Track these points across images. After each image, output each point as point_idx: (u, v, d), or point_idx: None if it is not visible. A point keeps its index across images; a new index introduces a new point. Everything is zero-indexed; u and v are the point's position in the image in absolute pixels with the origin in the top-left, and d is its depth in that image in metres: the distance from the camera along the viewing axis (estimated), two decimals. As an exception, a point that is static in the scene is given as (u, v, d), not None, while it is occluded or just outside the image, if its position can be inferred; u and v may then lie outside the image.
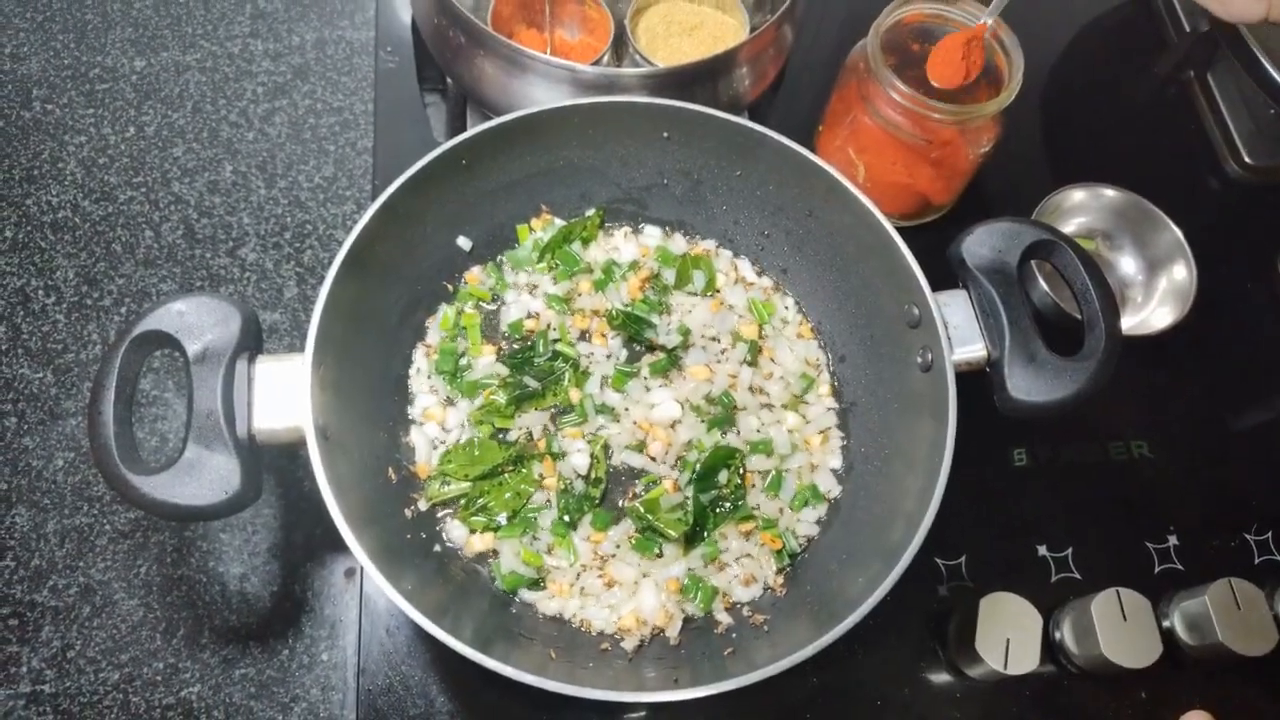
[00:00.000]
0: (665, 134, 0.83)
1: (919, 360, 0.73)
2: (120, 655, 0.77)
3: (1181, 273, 0.93)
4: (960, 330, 0.71)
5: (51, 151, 1.00)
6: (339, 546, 0.66)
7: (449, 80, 1.00)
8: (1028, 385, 0.68)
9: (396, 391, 0.82)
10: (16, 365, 0.88)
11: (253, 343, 0.66)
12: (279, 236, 0.97)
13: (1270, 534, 0.87)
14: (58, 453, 0.84)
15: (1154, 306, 0.94)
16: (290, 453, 0.85)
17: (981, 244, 0.72)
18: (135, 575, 0.80)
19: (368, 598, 0.78)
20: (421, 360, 0.84)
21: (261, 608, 0.79)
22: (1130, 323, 0.94)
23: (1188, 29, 1.11)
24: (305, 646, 0.78)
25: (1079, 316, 0.72)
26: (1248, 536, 0.87)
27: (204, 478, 0.61)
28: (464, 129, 0.85)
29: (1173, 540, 0.86)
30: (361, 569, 0.77)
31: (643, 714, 0.77)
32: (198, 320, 0.65)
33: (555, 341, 0.84)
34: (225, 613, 0.79)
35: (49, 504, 0.82)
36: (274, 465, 0.84)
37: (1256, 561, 0.86)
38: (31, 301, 0.91)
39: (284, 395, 0.65)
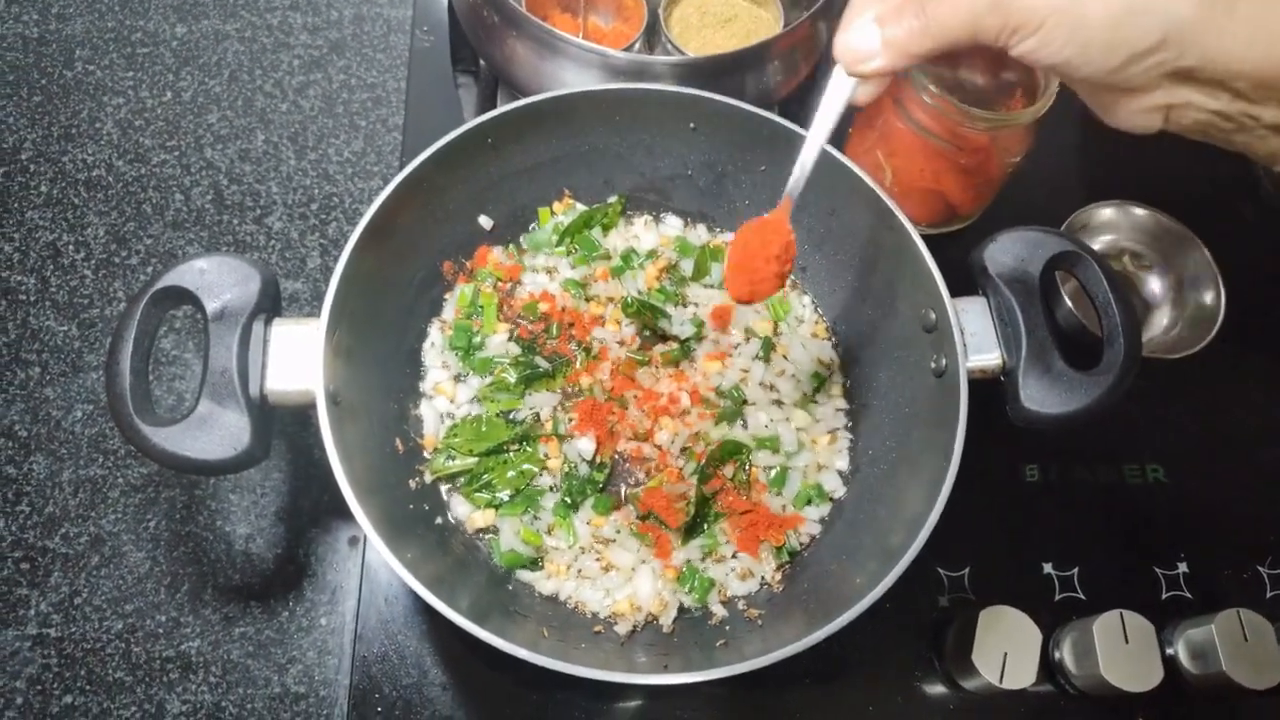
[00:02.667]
0: (692, 125, 0.83)
1: (933, 365, 0.73)
2: (125, 605, 0.78)
3: (1210, 296, 0.91)
4: (977, 337, 0.70)
5: (90, 111, 1.02)
6: (344, 514, 0.66)
7: (481, 62, 1.01)
8: (1041, 396, 0.67)
9: (409, 364, 0.83)
10: (43, 317, 0.90)
11: (271, 305, 0.67)
12: (305, 207, 0.98)
13: (1284, 567, 0.86)
14: (77, 404, 0.86)
15: (1180, 329, 0.93)
16: (302, 419, 0.86)
17: (1005, 252, 0.71)
18: (144, 529, 0.81)
19: (369, 566, 0.79)
20: (436, 335, 0.85)
21: (265, 569, 0.81)
22: (1155, 344, 0.92)
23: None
24: (305, 610, 0.79)
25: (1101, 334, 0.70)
26: (1261, 569, 0.85)
27: (214, 433, 0.62)
28: (493, 110, 0.85)
29: (1183, 567, 0.85)
30: (365, 538, 0.78)
31: (636, 703, 0.77)
32: (218, 279, 0.66)
33: (569, 325, 0.85)
34: (229, 571, 0.80)
35: (66, 454, 0.84)
36: (285, 431, 0.86)
37: (1268, 595, 0.84)
38: (61, 256, 0.93)
39: (298, 358, 0.65)
